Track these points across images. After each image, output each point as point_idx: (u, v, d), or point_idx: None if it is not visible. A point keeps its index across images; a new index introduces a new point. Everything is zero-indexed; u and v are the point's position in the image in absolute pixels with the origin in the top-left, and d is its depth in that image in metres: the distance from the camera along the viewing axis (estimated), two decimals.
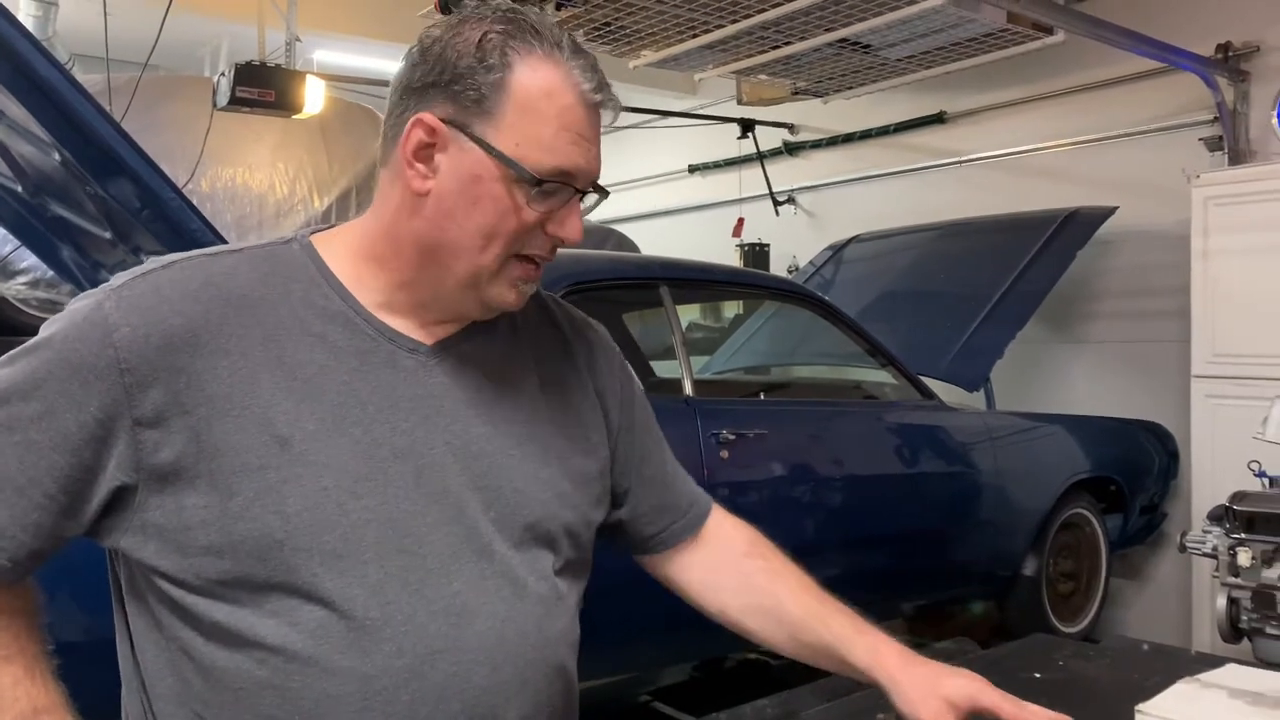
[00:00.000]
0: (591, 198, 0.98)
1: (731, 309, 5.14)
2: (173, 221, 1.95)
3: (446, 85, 0.90)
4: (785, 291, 3.59)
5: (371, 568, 0.88)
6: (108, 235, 2.31)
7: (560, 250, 0.97)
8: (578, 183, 0.93)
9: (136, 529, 0.88)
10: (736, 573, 1.15)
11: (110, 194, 1.96)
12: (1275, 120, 4.04)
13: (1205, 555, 2.71)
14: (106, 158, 1.88)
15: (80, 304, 0.89)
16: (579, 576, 1.05)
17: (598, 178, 0.96)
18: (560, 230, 0.94)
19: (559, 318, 1.11)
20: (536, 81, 0.90)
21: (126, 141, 1.89)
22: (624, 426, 1.11)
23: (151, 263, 0.92)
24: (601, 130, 0.95)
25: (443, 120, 0.90)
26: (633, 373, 1.17)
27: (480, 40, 0.90)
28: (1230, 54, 4.13)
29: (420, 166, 0.92)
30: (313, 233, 1.00)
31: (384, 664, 0.88)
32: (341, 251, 0.97)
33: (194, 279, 0.91)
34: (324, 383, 0.91)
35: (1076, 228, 4.26)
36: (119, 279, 0.90)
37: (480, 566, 0.93)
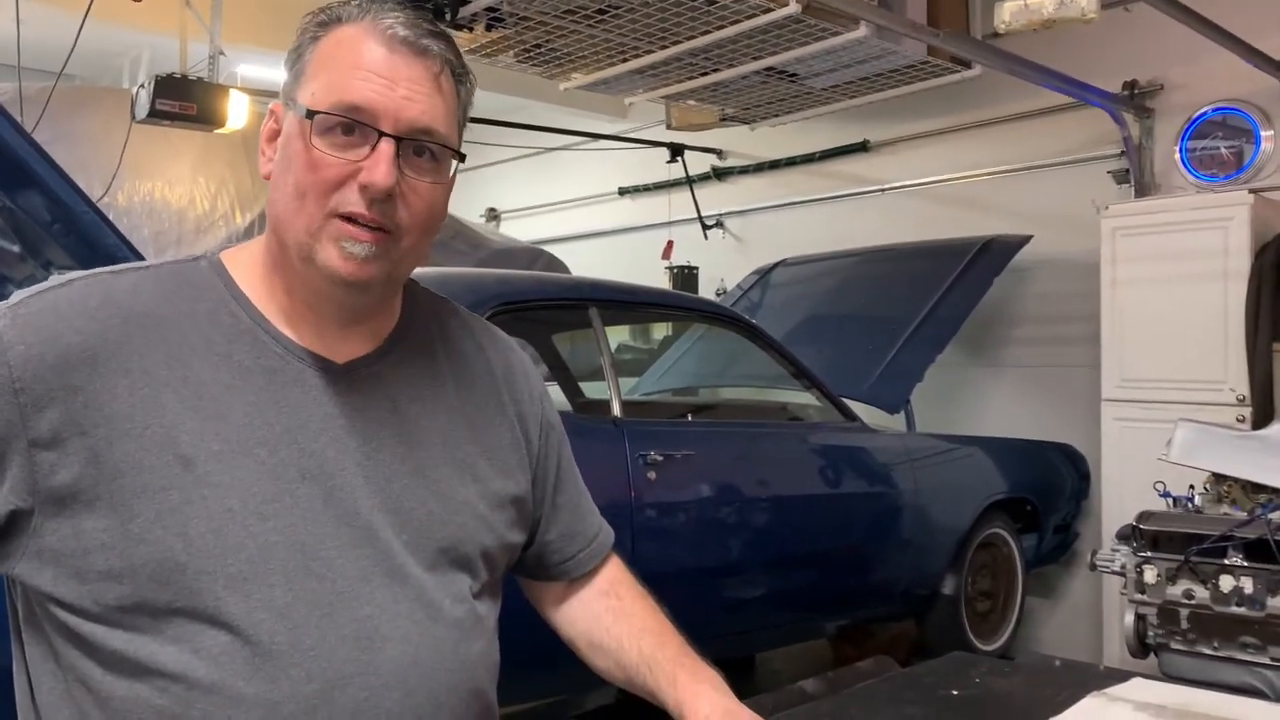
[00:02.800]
0: (451, 163, 0.93)
1: (661, 330, 5.17)
2: (86, 236, 1.89)
3: (286, 68, 0.93)
4: (712, 314, 3.62)
5: (278, 591, 0.86)
6: (16, 249, 2.22)
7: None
8: (380, 123, 0.87)
9: (32, 554, 0.84)
10: (588, 611, 1.14)
11: (19, 206, 1.89)
12: (1178, 155, 4.24)
13: (1114, 573, 2.80)
14: (14, 168, 1.82)
15: None
16: (496, 599, 1.04)
17: (416, 123, 0.89)
18: (367, 177, 0.87)
19: (481, 339, 1.09)
20: (339, 35, 0.90)
21: (36, 152, 1.83)
22: (543, 453, 1.10)
23: (52, 280, 0.89)
24: (434, 80, 0.90)
25: (282, 102, 0.93)
26: (551, 399, 1.16)
27: (312, 17, 0.93)
28: (1136, 91, 4.32)
29: (269, 150, 0.93)
30: (224, 250, 0.98)
31: (291, 690, 0.86)
32: (247, 267, 0.96)
33: (93, 296, 0.88)
34: (230, 402, 0.88)
35: (993, 255, 4.39)
36: (17, 296, 0.87)
37: (392, 590, 0.91)
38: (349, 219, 0.88)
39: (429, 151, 0.91)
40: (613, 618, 1.12)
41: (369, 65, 0.87)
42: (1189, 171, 4.21)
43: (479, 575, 0.99)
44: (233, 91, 3.86)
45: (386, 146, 0.87)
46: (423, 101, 0.89)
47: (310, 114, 0.86)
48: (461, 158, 0.94)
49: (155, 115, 3.69)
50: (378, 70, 0.87)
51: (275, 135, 0.92)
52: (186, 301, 0.91)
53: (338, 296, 0.92)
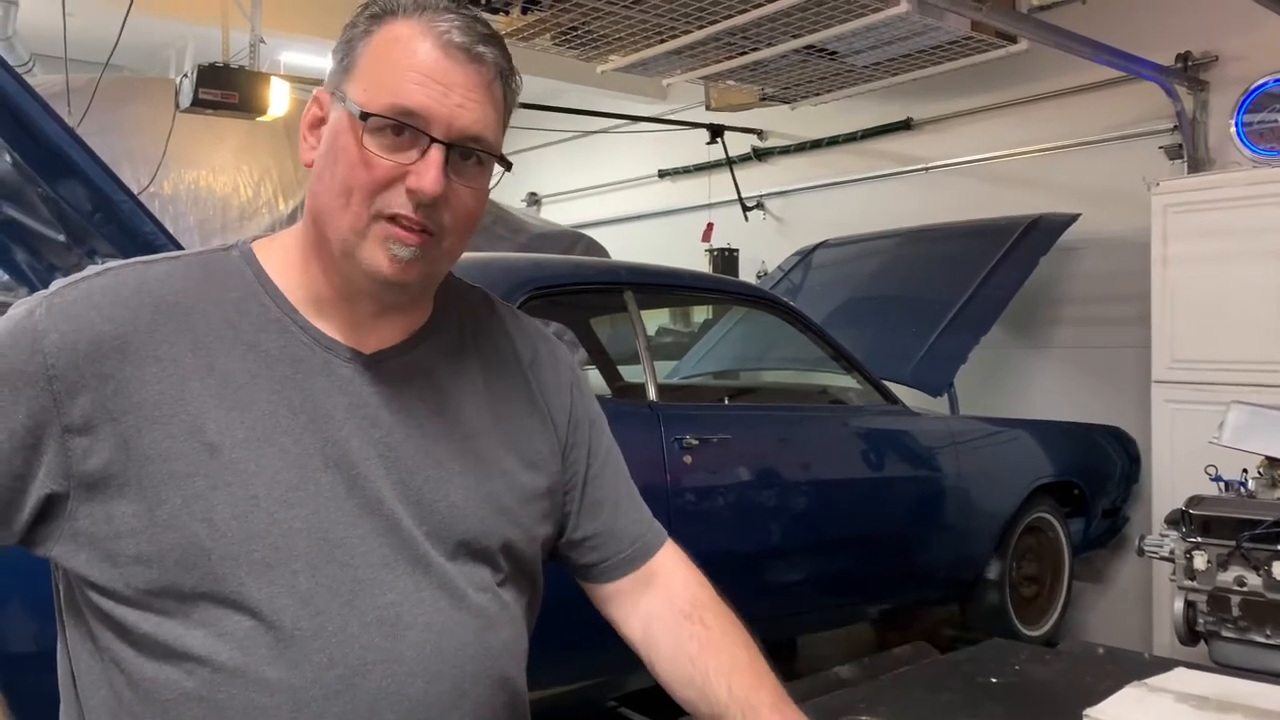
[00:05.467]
0: (496, 170, 0.94)
1: (701, 314, 5.15)
2: (125, 225, 1.93)
3: (335, 60, 0.93)
4: (748, 296, 3.59)
5: (301, 578, 0.87)
6: (62, 238, 2.27)
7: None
8: (432, 129, 0.88)
9: (68, 538, 0.86)
10: (672, 636, 1.07)
11: (61, 196, 1.93)
12: (1233, 129, 4.10)
13: (1163, 559, 2.74)
14: (56, 159, 1.86)
15: (15, 311, 0.88)
16: (525, 589, 1.03)
17: (467, 130, 0.89)
18: (416, 182, 0.87)
19: (511, 328, 1.08)
20: (393, 33, 0.89)
21: (76, 143, 1.87)
22: (571, 445, 1.08)
23: (89, 269, 0.91)
24: (489, 87, 0.91)
25: (329, 91, 0.92)
26: (589, 391, 1.13)
27: (360, 12, 0.92)
28: (1190, 64, 4.19)
29: (311, 138, 0.93)
30: (255, 239, 0.99)
31: (314, 675, 0.86)
32: (279, 256, 0.96)
33: (126, 285, 0.90)
34: (255, 391, 0.89)
35: (1040, 234, 4.30)
36: (54, 285, 0.90)
37: (415, 578, 0.92)
38: (393, 219, 0.89)
39: (475, 157, 0.92)
40: (698, 646, 1.05)
41: (424, 69, 0.87)
42: (1245, 146, 4.08)
43: (501, 568, 0.99)
44: (274, 79, 3.90)
45: (436, 153, 0.88)
46: (475, 109, 0.89)
47: (364, 115, 0.87)
48: (508, 165, 0.95)
49: (198, 104, 3.75)
50: (433, 75, 0.87)
51: (318, 123, 0.92)
52: (216, 290, 0.92)
53: (375, 292, 0.93)
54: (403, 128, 0.87)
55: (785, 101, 4.95)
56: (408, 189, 0.88)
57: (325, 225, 0.91)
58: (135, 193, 2.26)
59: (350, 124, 0.88)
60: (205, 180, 4.36)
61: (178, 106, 3.82)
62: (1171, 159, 4.25)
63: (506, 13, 3.50)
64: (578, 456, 1.08)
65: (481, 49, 0.89)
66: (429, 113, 0.88)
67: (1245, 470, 2.78)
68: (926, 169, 5.19)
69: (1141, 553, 2.84)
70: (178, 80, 3.85)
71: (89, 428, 0.85)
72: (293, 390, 0.90)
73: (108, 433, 0.85)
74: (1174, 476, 3.66)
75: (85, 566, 0.86)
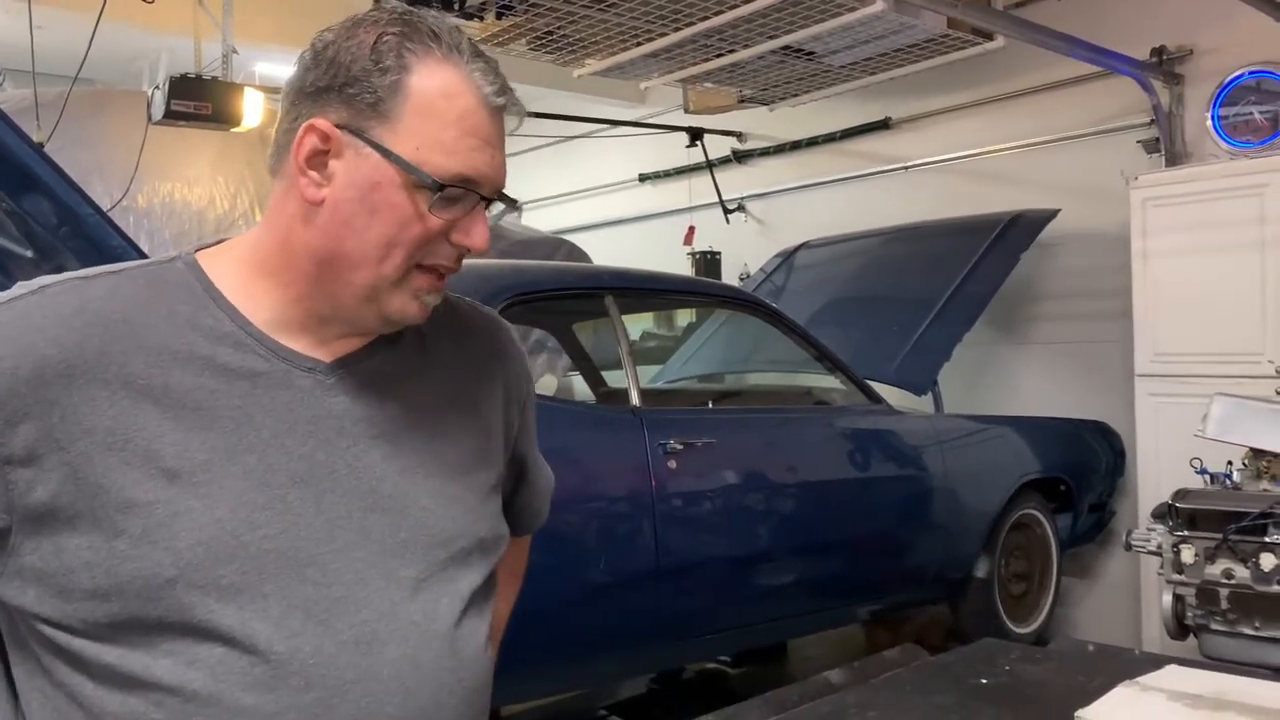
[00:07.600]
0: (498, 207, 0.95)
1: (685, 317, 5.13)
2: (92, 238, 1.89)
3: (340, 89, 0.86)
4: (730, 299, 3.58)
5: (273, 600, 0.84)
6: (30, 254, 2.23)
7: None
8: (482, 189, 0.89)
9: (13, 574, 0.82)
10: None
11: (26, 212, 1.89)
12: (1209, 122, 4.12)
13: (1150, 553, 2.74)
14: (19, 174, 1.82)
15: None
16: (491, 590, 1.01)
17: (503, 185, 0.92)
18: (466, 239, 0.90)
19: (471, 320, 1.07)
20: (435, 83, 0.86)
21: (40, 157, 1.83)
22: (520, 433, 1.10)
23: (19, 287, 0.85)
24: (506, 136, 0.92)
25: (337, 125, 0.86)
26: (530, 376, 1.16)
27: (375, 42, 0.86)
28: (1165, 57, 4.21)
29: (314, 174, 0.87)
30: (198, 249, 0.94)
31: (291, 700, 0.84)
32: (230, 268, 0.92)
33: (68, 304, 0.84)
34: (214, 409, 0.86)
35: (1020, 231, 4.31)
36: None
37: (389, 592, 0.90)
38: (431, 269, 0.90)
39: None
40: None
41: (479, 134, 0.88)
42: (1222, 138, 4.10)
43: (476, 569, 0.98)
44: (247, 90, 3.86)
45: (482, 210, 0.91)
46: (504, 162, 0.92)
47: (438, 186, 0.86)
48: (517, 206, 0.96)
49: (171, 116, 3.70)
50: (486, 139, 0.89)
51: (318, 155, 0.87)
52: (164, 305, 0.88)
53: (378, 328, 0.93)
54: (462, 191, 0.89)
55: (764, 103, 4.95)
56: (456, 243, 0.90)
57: (347, 270, 0.88)
58: (109, 207, 2.22)
59: (401, 181, 0.86)
60: (180, 193, 4.31)
61: (150, 119, 3.78)
62: (1149, 153, 4.27)
63: (481, 18, 3.48)
64: (524, 441, 1.12)
65: (508, 103, 0.91)
66: (484, 177, 0.89)
67: (1230, 462, 2.79)
68: (906, 168, 5.19)
69: (1129, 547, 2.84)
70: (149, 92, 3.81)
71: (33, 458, 0.80)
72: (253, 405, 0.87)
73: (55, 463, 0.80)
74: (1159, 470, 3.66)
75: (35, 603, 0.82)
